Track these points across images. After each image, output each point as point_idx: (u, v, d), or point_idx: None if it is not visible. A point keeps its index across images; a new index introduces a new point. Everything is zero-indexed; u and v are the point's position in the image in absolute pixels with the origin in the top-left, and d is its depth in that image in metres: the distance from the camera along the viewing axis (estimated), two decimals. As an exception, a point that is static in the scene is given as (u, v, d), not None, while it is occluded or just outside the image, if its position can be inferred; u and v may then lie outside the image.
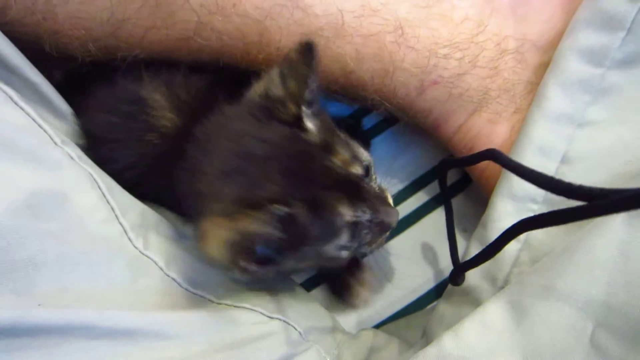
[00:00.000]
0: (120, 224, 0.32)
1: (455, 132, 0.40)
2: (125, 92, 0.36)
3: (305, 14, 0.34)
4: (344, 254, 0.33)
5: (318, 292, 0.50)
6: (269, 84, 0.33)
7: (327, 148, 0.32)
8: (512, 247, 0.35)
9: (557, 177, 0.33)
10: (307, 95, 0.32)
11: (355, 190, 0.32)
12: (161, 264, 0.33)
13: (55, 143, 0.32)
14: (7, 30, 0.32)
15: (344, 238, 0.32)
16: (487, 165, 0.39)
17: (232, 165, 0.31)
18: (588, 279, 0.28)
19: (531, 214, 0.34)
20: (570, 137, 0.33)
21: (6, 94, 0.31)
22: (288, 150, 0.31)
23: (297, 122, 0.32)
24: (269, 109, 0.32)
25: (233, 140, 0.32)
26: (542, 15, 0.37)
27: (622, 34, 0.32)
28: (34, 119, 0.32)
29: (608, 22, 0.32)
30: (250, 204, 0.29)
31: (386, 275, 0.50)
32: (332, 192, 0.31)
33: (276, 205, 0.29)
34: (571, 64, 0.33)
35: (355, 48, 0.36)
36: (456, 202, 0.51)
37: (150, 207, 0.36)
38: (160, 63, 0.36)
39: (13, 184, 0.28)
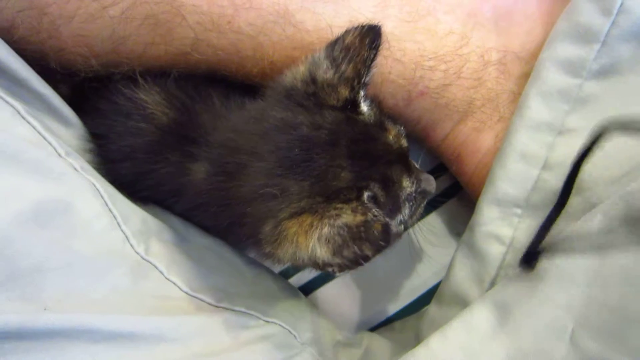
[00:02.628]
0: (122, 231, 0.34)
1: (442, 139, 0.42)
2: (122, 94, 0.38)
3: (297, 30, 0.36)
4: (402, 228, 0.34)
5: (315, 296, 0.51)
6: (315, 68, 0.32)
7: (382, 125, 0.33)
8: (497, 251, 0.36)
9: (539, 182, 0.35)
10: (368, 78, 0.32)
11: (408, 162, 0.33)
12: (162, 268, 0.34)
13: (60, 155, 0.33)
14: (15, 48, 0.34)
15: (405, 211, 0.33)
16: (474, 171, 0.41)
17: (292, 158, 0.30)
18: (568, 280, 0.29)
19: (515, 219, 0.36)
20: (551, 145, 0.35)
21: (14, 108, 0.33)
22: (349, 134, 0.31)
23: (349, 106, 0.32)
24: (317, 95, 0.32)
25: (285, 132, 0.31)
26: (523, 27, 0.38)
27: (597, 46, 0.33)
28: (39, 132, 0.33)
29: (584, 35, 0.34)
30: (330, 197, 0.28)
31: (381, 279, 0.52)
32: (395, 167, 0.32)
33: (364, 192, 0.29)
34: (550, 75, 0.35)
35: None
36: (449, 206, 0.53)
37: (153, 212, 0.38)
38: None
39: (20, 194, 0.30)
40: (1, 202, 0.29)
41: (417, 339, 0.43)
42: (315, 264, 0.28)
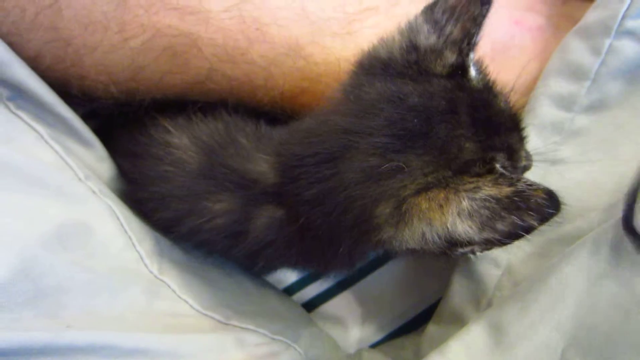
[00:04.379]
0: (137, 251, 0.36)
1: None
2: (153, 137, 0.38)
3: (306, 62, 0.38)
4: None
5: (318, 312, 0.53)
6: (414, 35, 0.29)
7: (492, 91, 0.30)
8: (494, 273, 0.38)
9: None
10: (478, 39, 0.29)
11: (522, 130, 0.30)
12: (174, 287, 0.36)
13: (80, 179, 0.35)
14: (41, 75, 0.36)
15: None
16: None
17: (409, 130, 0.26)
18: (559, 302, 0.31)
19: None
20: (544, 174, 0.37)
21: (38, 133, 0.35)
22: (465, 101, 0.28)
23: (456, 71, 0.29)
24: (419, 63, 0.29)
25: (395, 104, 0.27)
26: (519, 62, 0.41)
27: (587, 83, 0.36)
28: (61, 157, 0.35)
29: (575, 73, 0.36)
30: (460, 170, 0.26)
31: (381, 296, 0.53)
32: (514, 135, 0.29)
33: (495, 164, 0.27)
34: (544, 109, 0.37)
35: None
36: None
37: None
38: (177, 109, 0.40)
39: (44, 217, 0.31)
40: (27, 225, 0.30)
41: (417, 357, 0.44)
42: (451, 243, 0.25)
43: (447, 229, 0.25)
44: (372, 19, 0.38)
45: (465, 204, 0.25)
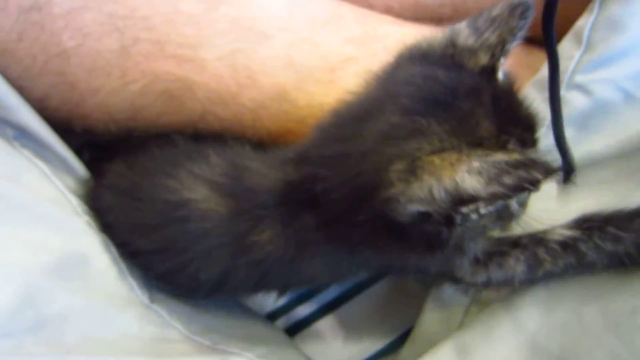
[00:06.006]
0: (129, 281, 0.38)
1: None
2: (171, 204, 0.36)
3: (292, 106, 0.41)
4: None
5: (301, 336, 0.55)
6: (455, 35, 0.32)
7: (516, 94, 0.32)
8: (463, 301, 0.41)
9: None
10: (510, 47, 0.32)
11: (538, 134, 0.32)
12: (164, 314, 0.38)
13: (78, 213, 0.38)
14: (45, 114, 0.39)
15: None
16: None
17: (433, 99, 0.29)
18: (518, 327, 0.34)
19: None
20: None
21: (41, 169, 0.38)
22: (490, 91, 0.30)
23: (486, 72, 0.31)
24: (453, 56, 0.32)
25: (425, 77, 0.30)
26: None
27: (543, 130, 0.39)
28: (62, 192, 0.38)
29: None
30: (474, 142, 0.28)
31: (365, 320, 0.56)
32: (530, 133, 0.31)
33: (510, 145, 0.29)
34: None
35: None
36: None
37: None
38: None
39: (47, 249, 0.34)
40: (32, 257, 0.33)
41: (393, 379, 0.47)
42: (456, 199, 0.26)
43: (456, 183, 0.26)
44: (353, 68, 0.42)
45: (475, 164, 0.26)
